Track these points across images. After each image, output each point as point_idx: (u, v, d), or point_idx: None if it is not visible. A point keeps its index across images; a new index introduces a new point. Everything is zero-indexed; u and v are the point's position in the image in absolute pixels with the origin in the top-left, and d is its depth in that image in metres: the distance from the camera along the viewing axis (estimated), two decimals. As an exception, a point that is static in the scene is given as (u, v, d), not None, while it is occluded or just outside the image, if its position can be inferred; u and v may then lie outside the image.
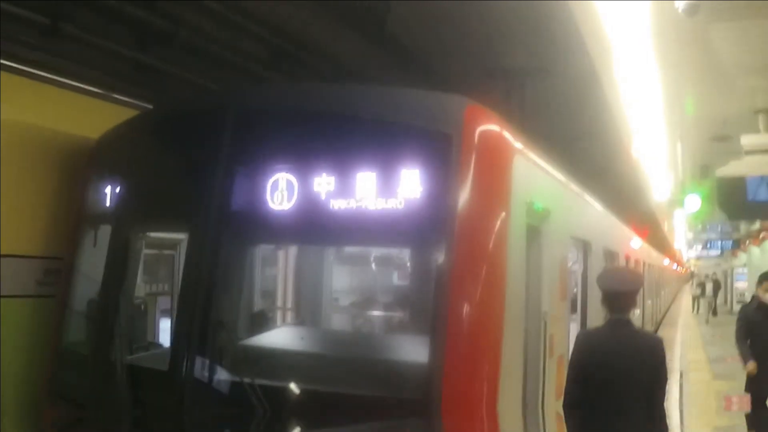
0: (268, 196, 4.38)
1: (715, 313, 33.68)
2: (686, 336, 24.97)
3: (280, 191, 4.36)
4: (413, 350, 4.19)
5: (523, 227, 4.61)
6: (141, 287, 6.37)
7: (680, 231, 37.93)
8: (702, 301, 36.45)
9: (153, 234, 5.75)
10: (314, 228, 4.47)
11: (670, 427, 4.55)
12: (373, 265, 7.40)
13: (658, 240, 33.94)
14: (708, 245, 38.35)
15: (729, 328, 26.70)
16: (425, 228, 4.10)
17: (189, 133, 4.90)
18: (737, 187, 9.70)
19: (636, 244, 15.88)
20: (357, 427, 3.93)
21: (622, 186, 18.35)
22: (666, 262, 36.50)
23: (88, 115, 6.18)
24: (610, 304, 4.89)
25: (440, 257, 4.00)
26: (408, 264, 6.56)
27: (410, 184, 4.08)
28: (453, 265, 3.94)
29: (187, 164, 4.84)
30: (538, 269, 5.25)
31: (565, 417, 4.71)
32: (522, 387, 4.77)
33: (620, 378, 4.64)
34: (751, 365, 8.63)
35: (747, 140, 9.87)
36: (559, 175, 6.30)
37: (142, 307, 6.44)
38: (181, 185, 4.89)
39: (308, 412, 4.12)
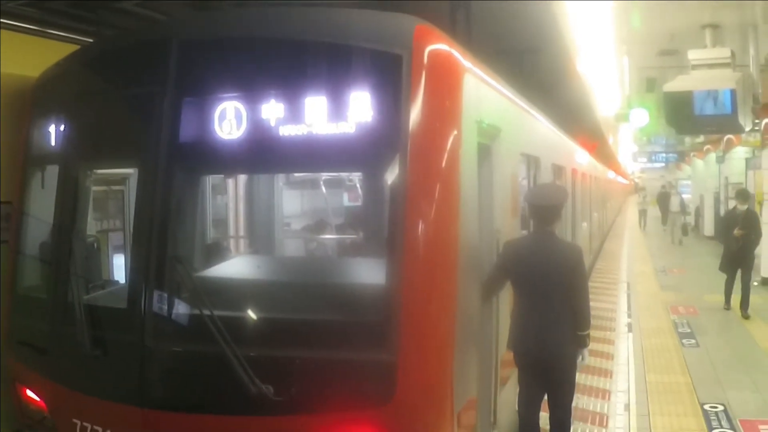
0: (216, 126, 4.29)
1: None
2: (633, 249, 25.64)
3: (229, 120, 4.28)
4: (371, 273, 4.23)
5: (474, 146, 4.63)
6: (92, 225, 6.27)
7: (625, 144, 38.20)
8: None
9: (101, 171, 5.62)
10: (267, 155, 4.42)
11: (618, 334, 4.86)
12: (329, 191, 7.39)
13: (604, 154, 34.29)
14: (652, 158, 39.10)
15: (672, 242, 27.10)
16: (378, 150, 4.07)
17: (132, 66, 4.73)
18: (684, 101, 9.85)
19: (583, 159, 16.12)
20: (318, 352, 3.99)
21: (569, 101, 18.45)
22: (612, 175, 37.09)
23: (27, 53, 5.91)
24: (535, 217, 5.48)
25: (394, 179, 4.00)
26: (363, 187, 6.56)
27: (361, 107, 4.02)
28: (407, 186, 3.95)
29: (132, 98, 4.68)
30: (489, 187, 5.31)
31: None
32: (478, 303, 4.89)
33: (541, 279, 5.29)
34: None
35: (694, 55, 9.97)
36: (508, 93, 6.31)
37: (95, 245, 6.35)
38: (127, 120, 4.75)
39: (269, 339, 4.15)
